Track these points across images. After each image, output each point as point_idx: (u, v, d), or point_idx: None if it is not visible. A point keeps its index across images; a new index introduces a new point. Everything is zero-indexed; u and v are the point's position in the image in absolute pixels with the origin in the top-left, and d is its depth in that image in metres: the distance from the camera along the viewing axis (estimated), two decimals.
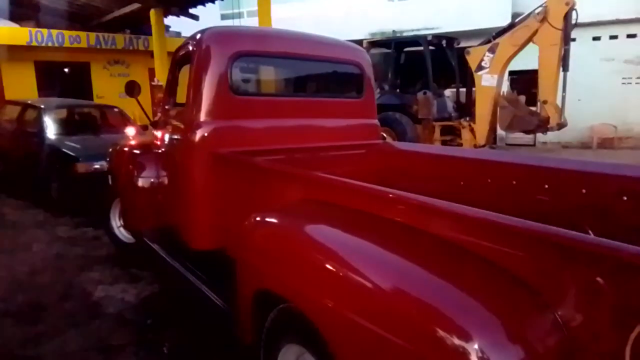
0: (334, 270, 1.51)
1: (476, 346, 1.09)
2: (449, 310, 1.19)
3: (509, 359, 1.09)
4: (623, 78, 13.32)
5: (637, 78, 13.22)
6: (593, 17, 11.85)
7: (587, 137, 13.41)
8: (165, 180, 3.50)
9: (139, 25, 13.59)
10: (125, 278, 3.87)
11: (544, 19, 7.40)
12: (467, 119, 9.13)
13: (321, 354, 1.56)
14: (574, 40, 7.55)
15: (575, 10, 7.24)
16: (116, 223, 4.46)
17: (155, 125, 3.79)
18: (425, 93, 9.42)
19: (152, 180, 3.71)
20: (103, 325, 3.07)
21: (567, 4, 7.21)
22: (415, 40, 10.54)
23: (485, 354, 1.07)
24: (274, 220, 1.91)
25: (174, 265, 3.06)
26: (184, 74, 3.18)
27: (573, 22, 7.33)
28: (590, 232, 2.06)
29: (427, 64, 9.69)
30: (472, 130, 8.91)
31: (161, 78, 10.83)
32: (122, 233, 4.40)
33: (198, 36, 2.82)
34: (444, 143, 9.50)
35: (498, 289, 1.21)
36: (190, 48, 2.88)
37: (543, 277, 1.16)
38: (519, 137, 12.20)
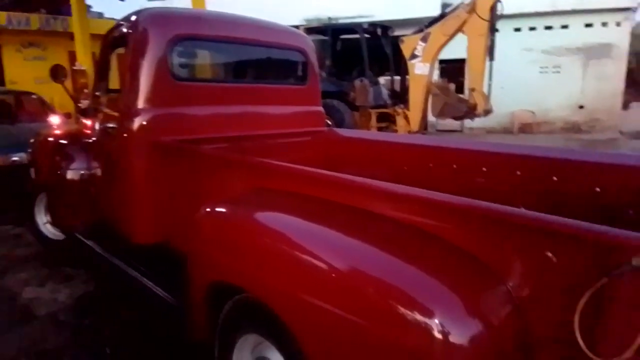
0: (291, 256, 1.50)
1: (437, 321, 1.13)
2: (407, 288, 1.22)
3: (467, 331, 1.14)
4: (540, 67, 14.38)
5: (553, 67, 14.33)
6: (515, 9, 12.60)
7: (509, 123, 14.37)
8: (98, 172, 3.29)
9: (56, 4, 12.54)
10: (56, 278, 3.61)
11: (472, 10, 7.76)
12: (402, 106, 9.42)
13: (282, 341, 1.55)
14: (497, 31, 7.99)
15: (501, 2, 7.65)
16: (42, 219, 4.13)
17: (84, 112, 3.53)
18: (362, 81, 9.58)
19: (82, 172, 3.47)
20: (36, 329, 2.85)
21: None
22: (351, 27, 10.66)
23: (445, 328, 1.12)
24: (226, 210, 1.85)
25: (112, 262, 2.90)
26: (117, 58, 2.99)
27: (498, 13, 7.75)
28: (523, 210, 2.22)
29: (363, 52, 9.84)
30: (406, 117, 9.20)
31: (83, 62, 10.10)
32: (48, 230, 4.09)
33: (134, 18, 2.65)
34: (379, 130, 9.74)
35: (453, 266, 1.27)
36: (125, 30, 2.70)
37: (495, 253, 1.23)
38: (447, 123, 12.79)
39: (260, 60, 3.29)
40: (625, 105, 16.17)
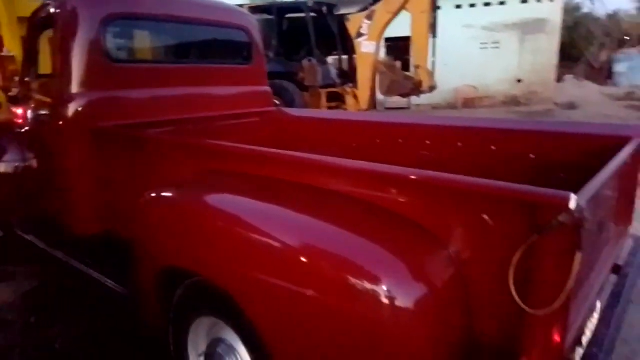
0: (240, 235, 1.50)
1: (384, 287, 1.17)
2: (355, 257, 1.26)
3: (413, 295, 1.19)
4: (481, 43, 14.87)
5: (493, 43, 14.86)
6: None
7: (453, 98, 14.83)
8: (34, 163, 3.11)
9: None
10: None
11: None
12: (351, 85, 9.47)
13: (236, 321, 1.56)
14: (439, 8, 8.16)
15: None
16: None
17: (15, 100, 3.30)
18: (310, 60, 9.51)
19: (15, 164, 3.26)
20: None
21: None
22: (297, 6, 10.50)
23: (392, 293, 1.17)
24: (172, 194, 1.81)
25: (55, 256, 2.78)
26: (46, 41, 2.81)
27: None
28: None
29: (310, 31, 9.75)
30: (355, 96, 9.27)
31: (12, 48, 9.38)
32: None
33: None
34: (330, 109, 9.76)
35: (397, 234, 1.31)
36: (53, 11, 2.54)
37: (436, 220, 1.28)
38: (395, 101, 13.02)
39: (202, 40, 3.20)
40: (560, 78, 17.11)
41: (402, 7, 8.17)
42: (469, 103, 14.73)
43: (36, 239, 3.04)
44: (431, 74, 8.49)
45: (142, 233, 1.87)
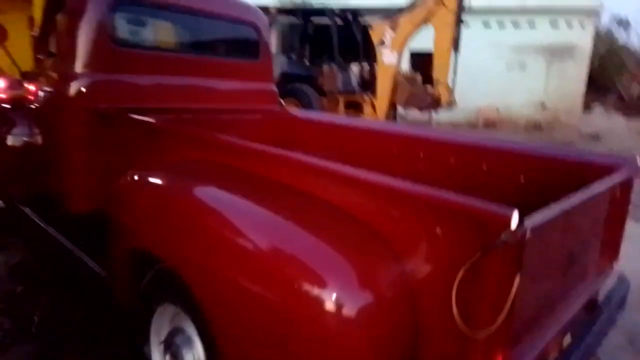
0: (205, 226, 1.51)
1: (330, 291, 1.16)
2: (308, 260, 1.25)
3: (358, 302, 1.18)
4: (507, 64, 14.67)
5: (519, 65, 14.65)
6: (484, 4, 12.78)
7: (474, 118, 14.66)
8: (39, 139, 3.18)
9: None
10: None
11: (440, 1, 7.81)
12: (369, 93, 9.45)
13: (194, 312, 1.56)
14: (462, 22, 8.07)
15: None
16: None
17: (28, 77, 3.39)
18: (330, 66, 9.55)
19: (24, 138, 3.34)
20: None
21: None
22: (322, 11, 10.55)
23: (338, 297, 1.15)
24: (150, 177, 1.83)
25: (47, 231, 2.83)
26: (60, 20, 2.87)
27: (465, 5, 7.83)
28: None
29: (333, 37, 9.78)
30: (373, 105, 9.25)
31: None
32: None
33: None
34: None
35: (354, 239, 1.30)
36: None
37: (394, 229, 1.27)
38: (416, 115, 12.94)
39: (209, 33, 3.23)
40: (587, 107, 16.76)
41: (426, 20, 8.14)
42: (489, 124, 14.54)
43: (32, 212, 3.10)
44: (450, 90, 8.42)
45: (118, 212, 1.89)
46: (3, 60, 3.80)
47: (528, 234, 0.95)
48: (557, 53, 14.19)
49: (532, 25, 14.32)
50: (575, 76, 14.21)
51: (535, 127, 14.57)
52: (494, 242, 0.97)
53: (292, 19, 11.25)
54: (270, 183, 1.60)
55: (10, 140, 3.35)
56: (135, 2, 2.64)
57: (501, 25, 14.54)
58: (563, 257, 1.44)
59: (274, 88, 3.53)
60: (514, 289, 0.96)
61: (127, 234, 1.86)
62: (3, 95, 3.77)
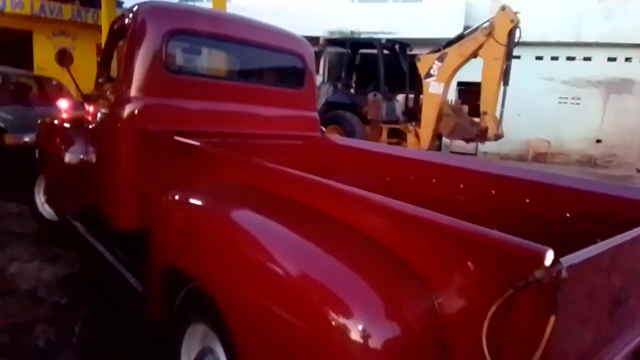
0: (237, 249, 1.53)
1: (358, 323, 1.14)
2: (337, 289, 1.24)
3: (386, 334, 1.14)
4: (560, 97, 14.22)
5: (572, 99, 14.17)
6: (538, 37, 12.54)
7: (524, 150, 14.21)
8: (93, 157, 3.37)
9: None
10: (44, 256, 3.70)
11: (489, 34, 7.75)
12: (414, 123, 9.42)
13: (222, 333, 1.57)
14: (518, 57, 7.98)
15: (519, 27, 7.63)
16: (40, 199, 4.25)
17: (88, 99, 3.64)
18: (375, 95, 9.62)
19: (79, 156, 3.55)
20: (13, 303, 2.92)
21: (512, 21, 7.59)
22: (370, 42, 10.73)
23: (365, 329, 1.13)
24: (190, 197, 1.89)
25: (94, 245, 2.96)
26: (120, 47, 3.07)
27: (516, 39, 7.72)
28: (495, 228, 2.21)
29: (379, 67, 9.89)
30: (417, 135, 9.19)
31: None
32: (46, 210, 4.20)
33: (135, 9, 2.74)
34: (389, 144, 9.74)
35: (385, 271, 1.27)
36: (126, 21, 2.79)
37: (426, 261, 1.23)
38: (461, 145, 12.73)
39: (257, 62, 3.35)
40: None
41: (475, 53, 8.08)
42: (540, 157, 14.04)
43: (82, 227, 3.26)
44: (498, 122, 8.23)
45: (156, 230, 1.96)
46: (71, 83, 4.12)
47: (564, 273, 0.90)
48: (614, 87, 13.62)
49: (587, 58, 13.86)
50: (634, 111, 13.53)
51: (589, 162, 13.93)
52: (526, 280, 0.93)
53: (339, 49, 11.50)
54: (305, 209, 1.61)
55: (67, 157, 3.58)
56: (189, 32, 2.80)
57: (555, 58, 14.18)
58: (608, 299, 1.34)
59: (316, 116, 3.60)
60: (548, 330, 0.90)
61: (164, 252, 1.92)
62: (65, 115, 4.06)
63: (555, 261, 0.91)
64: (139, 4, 2.75)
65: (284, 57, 3.32)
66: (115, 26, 3.07)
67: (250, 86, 3.20)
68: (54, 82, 7.53)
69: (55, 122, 3.87)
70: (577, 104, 14.10)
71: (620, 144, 13.73)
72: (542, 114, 13.81)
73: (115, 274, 2.59)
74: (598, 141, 14.02)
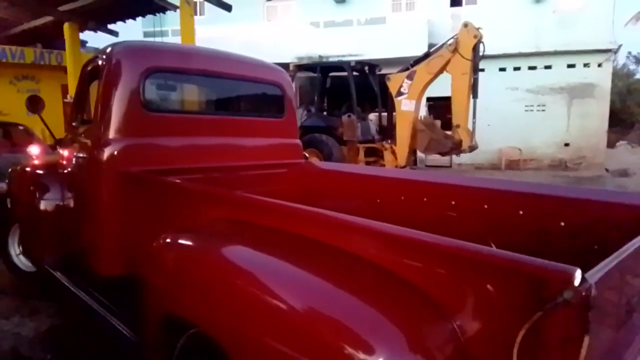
0: (241, 290, 1.46)
1: (380, 358, 1.10)
2: (353, 325, 1.19)
3: None
4: (526, 106, 14.71)
5: (538, 106, 14.66)
6: (500, 50, 13.01)
7: (497, 159, 14.54)
8: (71, 203, 3.25)
9: (52, 38, 12.74)
10: (23, 310, 3.50)
11: (455, 50, 7.97)
12: (389, 141, 9.52)
13: None
14: (482, 70, 8.22)
15: (483, 42, 7.88)
16: (15, 250, 4.05)
17: (62, 143, 3.53)
18: (349, 116, 9.72)
19: (56, 202, 3.42)
20: None
21: (475, 36, 7.84)
22: (339, 65, 10.89)
23: None
24: (182, 240, 1.82)
25: (78, 295, 2.82)
26: (94, 89, 3.01)
27: (481, 53, 7.97)
28: (492, 243, 2.21)
29: (351, 89, 10.02)
30: (393, 152, 9.28)
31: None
32: (21, 261, 4.01)
33: (108, 50, 2.69)
34: (367, 164, 9.80)
35: (401, 302, 1.24)
36: (100, 62, 2.73)
37: (442, 288, 1.20)
38: (436, 159, 12.93)
39: (235, 93, 3.33)
40: (612, 144, 16.48)
41: (443, 69, 8.29)
42: (513, 165, 14.39)
43: (63, 276, 3.11)
44: (471, 134, 8.41)
45: (151, 276, 1.87)
46: (39, 127, 4.00)
47: (593, 291, 0.88)
48: (576, 93, 14.18)
49: (548, 66, 14.42)
50: (597, 114, 14.09)
51: (560, 165, 14.35)
52: (555, 301, 0.90)
53: (309, 74, 11.61)
54: (305, 242, 1.56)
55: (43, 205, 3.44)
56: (165, 70, 2.75)
57: (517, 68, 14.70)
58: (622, 308, 1.34)
59: (298, 142, 3.58)
60: (583, 351, 0.88)
61: (159, 299, 1.83)
62: (38, 162, 3.93)
63: (582, 280, 0.89)
64: (113, 45, 2.70)
65: (262, 87, 3.31)
66: (88, 68, 3.00)
67: (230, 118, 3.16)
68: (21, 128, 7.33)
69: (28, 169, 3.74)
70: (543, 110, 14.58)
71: (587, 145, 14.21)
72: (510, 123, 14.22)
73: (105, 323, 2.46)
74: (566, 145, 14.48)
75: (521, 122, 14.39)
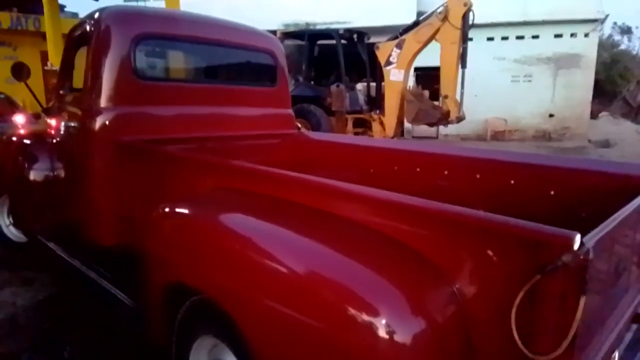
0: (245, 257, 1.50)
1: (382, 319, 1.15)
2: (356, 288, 1.24)
3: (411, 329, 1.16)
4: (512, 76, 14.75)
5: (524, 76, 14.71)
6: (488, 19, 12.91)
7: (482, 130, 14.66)
8: (62, 173, 3.22)
9: (28, 3, 12.24)
10: (17, 281, 3.50)
11: (445, 18, 7.90)
12: (377, 112, 9.50)
13: (236, 343, 1.54)
14: (471, 39, 8.15)
15: (472, 11, 7.81)
16: (4, 221, 4.02)
17: (49, 112, 3.46)
18: (338, 86, 9.64)
19: (46, 173, 3.38)
20: None
21: (465, 4, 7.76)
22: (328, 33, 10.71)
23: (390, 326, 1.14)
24: (183, 209, 1.84)
25: (73, 264, 2.83)
26: (81, 56, 2.93)
27: (470, 22, 7.91)
28: (484, 212, 2.27)
29: (339, 57, 9.91)
30: (381, 123, 9.29)
31: (55, 62, 9.85)
32: (12, 232, 3.98)
33: (97, 15, 2.61)
34: (356, 135, 9.80)
35: (402, 266, 1.28)
36: (88, 28, 2.66)
37: (441, 252, 1.25)
38: (423, 130, 12.98)
39: (229, 62, 3.28)
40: (595, 115, 16.71)
41: (432, 38, 8.22)
42: (498, 135, 14.54)
43: (57, 246, 3.11)
44: (459, 105, 8.43)
45: (152, 245, 1.89)
46: (19, 95, 3.87)
47: (591, 254, 0.93)
48: (562, 63, 14.24)
49: (535, 36, 14.40)
50: (581, 84, 14.22)
51: (544, 136, 14.54)
52: (554, 264, 0.95)
53: (297, 42, 11.42)
54: (304, 210, 1.59)
55: (32, 175, 3.40)
56: (157, 36, 2.69)
57: (505, 38, 14.65)
58: (611, 271, 1.41)
59: (291, 112, 3.56)
60: (579, 312, 0.93)
61: (160, 268, 1.86)
62: (23, 131, 3.85)
63: (581, 244, 0.94)
64: (101, 10, 2.62)
65: (255, 55, 3.26)
66: (75, 34, 2.92)
67: (222, 87, 3.13)
68: (1, 96, 7.12)
69: (14, 138, 3.66)
70: (529, 81, 14.65)
71: (571, 116, 14.40)
72: (497, 93, 14.27)
73: (102, 292, 2.49)
74: (551, 115, 14.64)
75: (507, 93, 14.46)
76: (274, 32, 10.99)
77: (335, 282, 1.29)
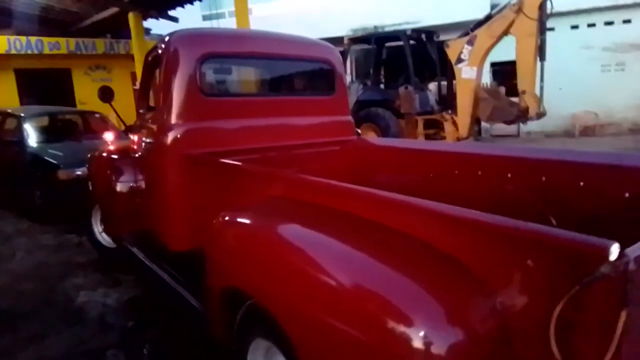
0: (292, 265, 1.56)
1: (421, 332, 1.14)
2: (396, 299, 1.24)
3: (449, 341, 1.13)
4: (602, 65, 13.49)
5: (616, 65, 13.40)
6: (571, 6, 12.00)
7: (570, 126, 13.57)
8: (142, 184, 3.53)
9: (119, 29, 13.51)
10: (107, 282, 3.89)
11: (519, 10, 7.47)
12: (449, 111, 9.20)
13: (285, 348, 1.60)
14: (552, 29, 7.64)
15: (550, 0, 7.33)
16: (97, 228, 4.47)
17: (131, 129, 3.81)
18: (406, 88, 9.50)
19: (129, 184, 3.72)
20: (84, 330, 3.09)
21: None
22: (395, 35, 10.59)
23: (427, 337, 1.13)
24: (240, 217, 1.94)
25: (152, 268, 3.09)
26: (156, 77, 3.20)
27: (548, 11, 7.41)
28: (552, 218, 2.14)
29: (407, 59, 9.74)
30: (454, 123, 8.98)
31: None
32: (104, 238, 4.42)
33: (166, 39, 2.85)
34: (427, 136, 9.58)
35: (443, 277, 1.26)
36: (160, 51, 2.91)
37: (482, 263, 1.22)
38: (503, 128, 12.32)
39: (288, 74, 3.40)
40: None
41: (506, 32, 7.81)
42: (588, 131, 13.38)
43: (139, 252, 3.41)
44: (539, 100, 7.92)
45: (212, 251, 2.02)
46: (114, 114, 4.33)
47: (632, 265, 0.87)
48: None
49: (627, 21, 13.10)
50: None
51: None
52: (592, 276, 0.90)
53: (364, 46, 11.41)
54: (354, 219, 1.61)
55: (119, 187, 3.76)
56: (219, 55, 2.87)
57: (591, 25, 13.49)
58: None
59: (350, 119, 3.60)
60: (620, 325, 0.87)
61: (219, 272, 1.98)
62: (112, 147, 4.26)
63: (621, 254, 0.87)
64: (169, 34, 2.85)
65: (312, 65, 3.34)
66: (150, 57, 3.19)
67: (282, 98, 3.25)
68: (97, 115, 7.90)
69: (104, 154, 4.08)
70: (622, 69, 13.32)
71: None
72: (585, 85, 13.14)
73: (175, 295, 2.69)
74: None
75: (597, 84, 13.25)
76: (342, 38, 11.12)
77: (377, 294, 1.30)
